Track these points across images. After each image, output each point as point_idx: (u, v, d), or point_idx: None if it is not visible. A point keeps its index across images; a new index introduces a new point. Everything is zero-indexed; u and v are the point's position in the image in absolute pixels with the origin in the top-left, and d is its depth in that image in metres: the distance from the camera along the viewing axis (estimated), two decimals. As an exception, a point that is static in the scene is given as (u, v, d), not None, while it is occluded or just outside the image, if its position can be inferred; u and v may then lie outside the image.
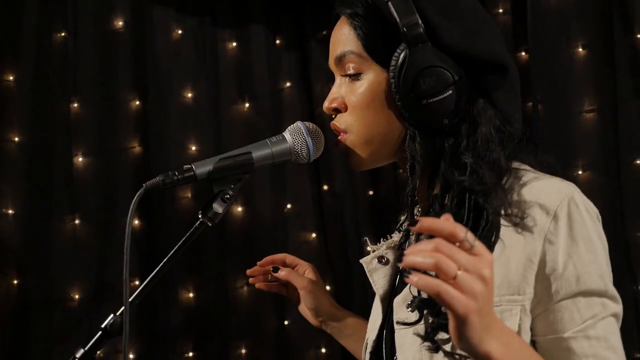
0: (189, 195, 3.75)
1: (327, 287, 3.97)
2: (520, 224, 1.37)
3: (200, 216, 1.53)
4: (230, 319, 3.82)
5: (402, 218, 1.70)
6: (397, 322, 1.47)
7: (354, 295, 3.90)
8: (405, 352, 1.44)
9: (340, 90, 1.54)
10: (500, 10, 3.60)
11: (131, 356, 3.59)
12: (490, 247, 1.37)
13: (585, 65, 3.31)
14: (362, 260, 1.63)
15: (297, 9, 4.05)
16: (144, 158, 3.70)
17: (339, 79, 1.55)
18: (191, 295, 3.75)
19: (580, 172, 3.29)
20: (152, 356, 3.65)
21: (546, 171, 1.47)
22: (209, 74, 3.90)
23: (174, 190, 3.71)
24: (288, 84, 4.03)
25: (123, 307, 1.45)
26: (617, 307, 1.39)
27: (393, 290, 1.59)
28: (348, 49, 1.50)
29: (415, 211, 1.56)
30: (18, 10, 3.52)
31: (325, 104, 1.56)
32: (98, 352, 3.43)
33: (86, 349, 1.54)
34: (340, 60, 1.51)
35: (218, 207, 1.53)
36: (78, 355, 1.56)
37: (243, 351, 3.82)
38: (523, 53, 3.55)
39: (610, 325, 1.38)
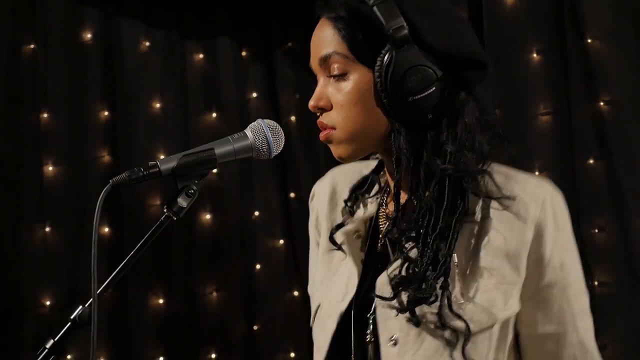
0: (158, 202, 3.82)
1: (295, 293, 4.06)
2: (511, 208, 1.49)
3: (165, 210, 1.57)
4: (200, 324, 3.88)
5: (374, 191, 1.73)
6: (381, 298, 1.53)
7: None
8: (390, 327, 1.51)
9: (325, 89, 1.58)
10: (458, 19, 3.72)
11: (103, 360, 3.66)
12: (464, 229, 1.50)
13: (540, 70, 3.45)
14: (341, 232, 1.68)
15: (263, 22, 4.14)
16: (113, 167, 3.76)
17: (322, 79, 1.60)
18: (161, 301, 3.82)
19: (537, 173, 3.41)
20: (123, 361, 3.71)
21: (518, 167, 1.59)
22: (176, 85, 3.98)
23: (143, 198, 3.78)
24: (254, 95, 4.12)
25: (91, 299, 1.49)
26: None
27: (367, 265, 1.64)
28: (333, 49, 1.55)
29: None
30: (-13, 23, 3.60)
31: (311, 103, 1.60)
32: (69, 356, 3.47)
33: (55, 339, 1.55)
34: (325, 60, 1.56)
35: (182, 202, 1.56)
36: (48, 345, 1.57)
37: (213, 356, 3.88)
38: (481, 60, 3.67)
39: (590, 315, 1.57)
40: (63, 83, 3.75)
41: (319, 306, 1.69)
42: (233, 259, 4.01)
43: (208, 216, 3.95)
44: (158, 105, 3.92)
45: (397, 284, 1.50)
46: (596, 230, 3.32)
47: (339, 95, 1.56)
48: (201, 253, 3.93)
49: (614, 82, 3.31)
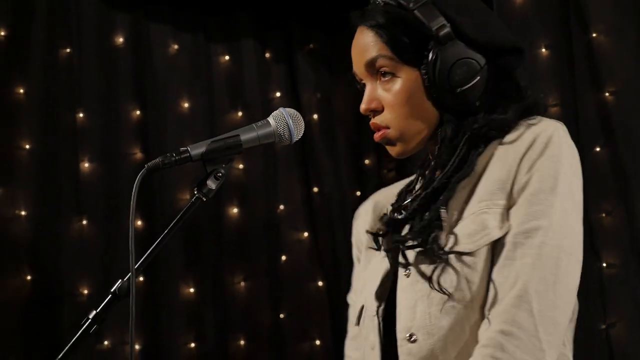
0: (188, 197, 3.99)
1: (320, 283, 4.23)
2: (514, 142, 1.58)
3: (195, 192, 1.72)
4: (229, 312, 4.07)
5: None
6: (401, 264, 1.63)
7: (343, 290, 4.12)
8: (406, 293, 1.61)
9: (374, 92, 1.68)
10: (470, 18, 3.89)
11: (137, 347, 3.82)
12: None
13: (548, 64, 3.60)
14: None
15: (285, 25, 4.34)
16: (144, 163, 3.87)
17: (370, 84, 1.69)
18: (192, 290, 4.00)
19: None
20: (156, 346, 3.89)
21: None
22: (203, 86, 4.19)
23: (174, 192, 3.96)
24: (278, 94, 4.31)
25: (130, 273, 1.63)
26: None
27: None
28: (378, 53, 1.65)
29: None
30: (27, 28, 3.80)
31: (363, 106, 1.71)
32: (106, 342, 3.63)
33: (98, 310, 1.70)
34: (372, 64, 1.66)
35: (211, 184, 1.70)
36: (91, 316, 1.71)
37: (241, 342, 4.06)
38: (492, 55, 3.84)
39: None
40: (97, 84, 3.95)
41: (362, 307, 1.77)
42: (259, 250, 4.20)
43: (235, 210, 4.14)
44: (186, 104, 4.12)
45: (396, 242, 1.65)
46: (603, 215, 3.45)
47: (389, 96, 1.66)
48: (229, 245, 4.13)
49: (618, 74, 3.44)
